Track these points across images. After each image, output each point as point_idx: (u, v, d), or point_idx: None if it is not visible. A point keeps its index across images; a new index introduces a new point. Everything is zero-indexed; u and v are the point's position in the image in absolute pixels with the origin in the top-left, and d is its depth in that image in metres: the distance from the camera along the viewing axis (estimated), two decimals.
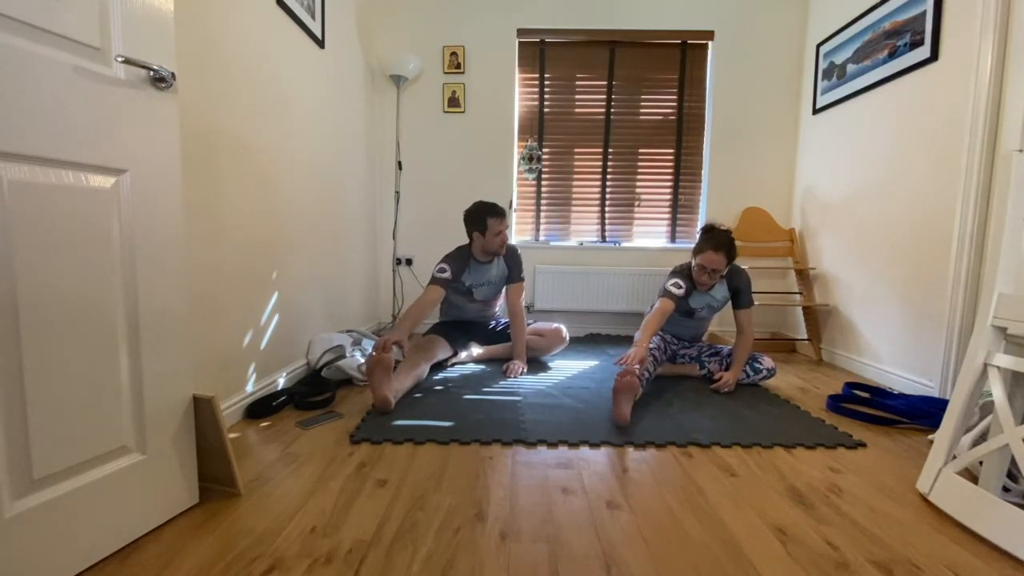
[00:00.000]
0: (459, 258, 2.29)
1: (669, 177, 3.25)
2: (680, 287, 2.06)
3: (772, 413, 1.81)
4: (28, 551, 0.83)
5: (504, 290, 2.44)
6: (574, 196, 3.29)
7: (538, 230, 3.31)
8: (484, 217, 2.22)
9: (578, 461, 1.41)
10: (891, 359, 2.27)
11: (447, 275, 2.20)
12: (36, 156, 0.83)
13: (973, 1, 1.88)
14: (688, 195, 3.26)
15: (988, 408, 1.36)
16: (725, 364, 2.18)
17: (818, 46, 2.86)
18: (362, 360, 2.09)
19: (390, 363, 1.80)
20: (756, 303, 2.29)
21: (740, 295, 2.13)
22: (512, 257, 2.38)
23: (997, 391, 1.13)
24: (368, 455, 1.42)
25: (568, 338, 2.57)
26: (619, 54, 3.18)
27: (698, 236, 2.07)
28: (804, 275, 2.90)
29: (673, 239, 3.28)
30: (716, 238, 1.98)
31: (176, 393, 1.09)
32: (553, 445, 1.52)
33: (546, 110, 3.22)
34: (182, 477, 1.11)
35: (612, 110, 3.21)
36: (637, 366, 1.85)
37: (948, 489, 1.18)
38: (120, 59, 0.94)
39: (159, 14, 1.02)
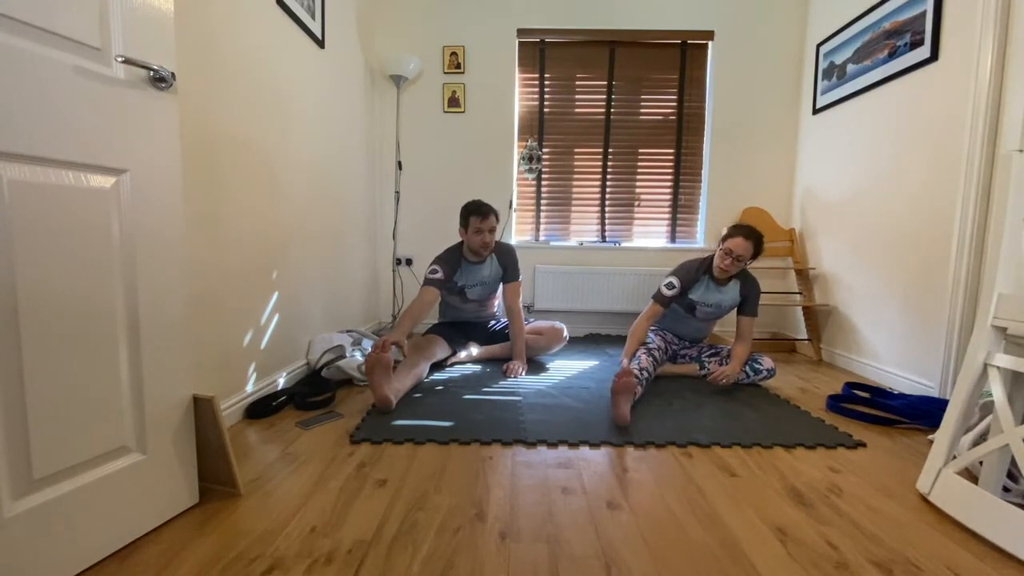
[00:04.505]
0: (450, 259, 2.28)
1: (669, 177, 3.25)
2: (673, 287, 2.13)
3: (772, 413, 1.81)
4: (28, 551, 0.83)
5: (501, 290, 2.44)
6: (574, 196, 3.29)
7: (538, 230, 3.31)
8: (468, 214, 2.22)
9: (578, 461, 1.41)
10: (891, 359, 2.27)
11: (439, 276, 2.20)
12: (36, 156, 0.83)
13: (973, 1, 1.88)
14: (688, 195, 3.26)
15: (988, 408, 1.36)
16: (725, 364, 2.18)
17: (818, 46, 2.86)
18: (362, 360, 2.09)
19: (389, 362, 1.80)
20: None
21: (748, 302, 2.16)
22: (507, 256, 2.37)
23: (997, 391, 1.13)
24: (368, 455, 1.42)
25: (567, 336, 2.57)
26: (619, 54, 3.17)
27: (726, 230, 2.15)
28: (804, 275, 2.90)
29: (673, 239, 3.28)
30: (748, 228, 2.06)
31: (176, 393, 1.09)
32: (553, 445, 1.52)
33: (546, 110, 3.22)
34: (182, 477, 1.11)
35: (612, 110, 3.21)
36: (635, 366, 1.88)
37: (948, 489, 1.18)
38: (120, 59, 0.94)
39: (159, 14, 1.02)
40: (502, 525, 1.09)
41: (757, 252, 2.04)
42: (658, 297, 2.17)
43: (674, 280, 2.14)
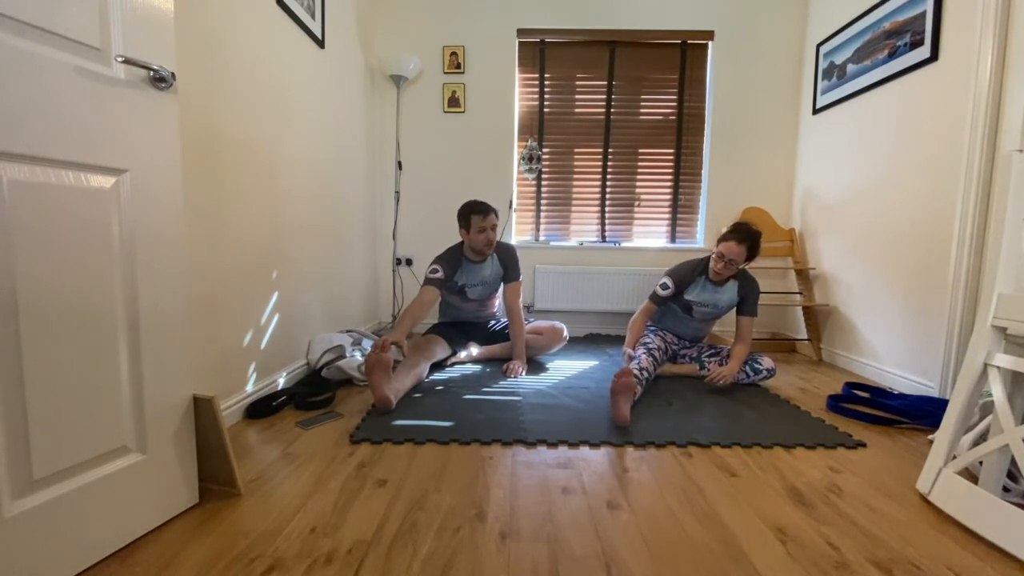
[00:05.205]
0: (451, 258, 2.28)
1: (669, 177, 3.25)
2: (667, 287, 2.16)
3: (772, 413, 1.81)
4: (28, 551, 0.83)
5: (501, 289, 2.44)
6: (574, 196, 3.29)
7: (538, 230, 3.30)
8: (468, 214, 2.22)
9: (578, 461, 1.41)
10: (891, 359, 2.27)
11: (440, 275, 2.20)
12: (36, 156, 0.83)
13: (973, 1, 1.88)
14: (688, 195, 3.26)
15: (988, 408, 1.36)
16: (725, 364, 2.18)
17: (818, 46, 2.86)
18: (362, 360, 2.09)
19: (389, 362, 1.80)
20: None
21: (746, 302, 2.16)
22: (508, 256, 2.37)
23: (997, 391, 1.13)
24: (368, 455, 1.42)
25: (567, 336, 2.57)
26: (619, 54, 3.17)
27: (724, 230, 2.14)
28: (804, 275, 2.90)
29: (673, 239, 3.28)
30: (743, 230, 2.03)
31: (176, 393, 1.09)
32: (553, 445, 1.52)
33: (546, 110, 3.22)
34: (182, 477, 1.11)
35: (612, 110, 3.21)
36: (635, 366, 1.88)
37: (948, 489, 1.18)
38: (120, 59, 0.94)
39: (159, 14, 1.02)
40: (502, 525, 1.09)
41: (752, 255, 2.03)
42: (652, 296, 2.22)
43: (668, 280, 2.17)
